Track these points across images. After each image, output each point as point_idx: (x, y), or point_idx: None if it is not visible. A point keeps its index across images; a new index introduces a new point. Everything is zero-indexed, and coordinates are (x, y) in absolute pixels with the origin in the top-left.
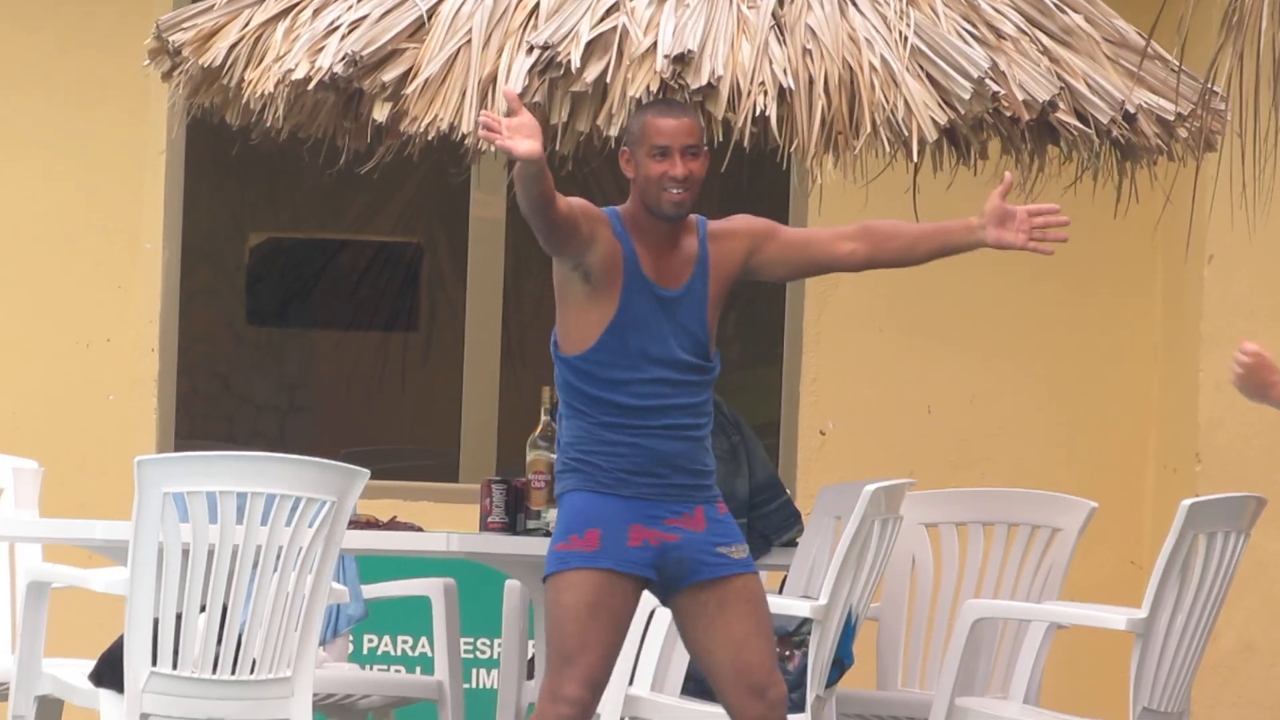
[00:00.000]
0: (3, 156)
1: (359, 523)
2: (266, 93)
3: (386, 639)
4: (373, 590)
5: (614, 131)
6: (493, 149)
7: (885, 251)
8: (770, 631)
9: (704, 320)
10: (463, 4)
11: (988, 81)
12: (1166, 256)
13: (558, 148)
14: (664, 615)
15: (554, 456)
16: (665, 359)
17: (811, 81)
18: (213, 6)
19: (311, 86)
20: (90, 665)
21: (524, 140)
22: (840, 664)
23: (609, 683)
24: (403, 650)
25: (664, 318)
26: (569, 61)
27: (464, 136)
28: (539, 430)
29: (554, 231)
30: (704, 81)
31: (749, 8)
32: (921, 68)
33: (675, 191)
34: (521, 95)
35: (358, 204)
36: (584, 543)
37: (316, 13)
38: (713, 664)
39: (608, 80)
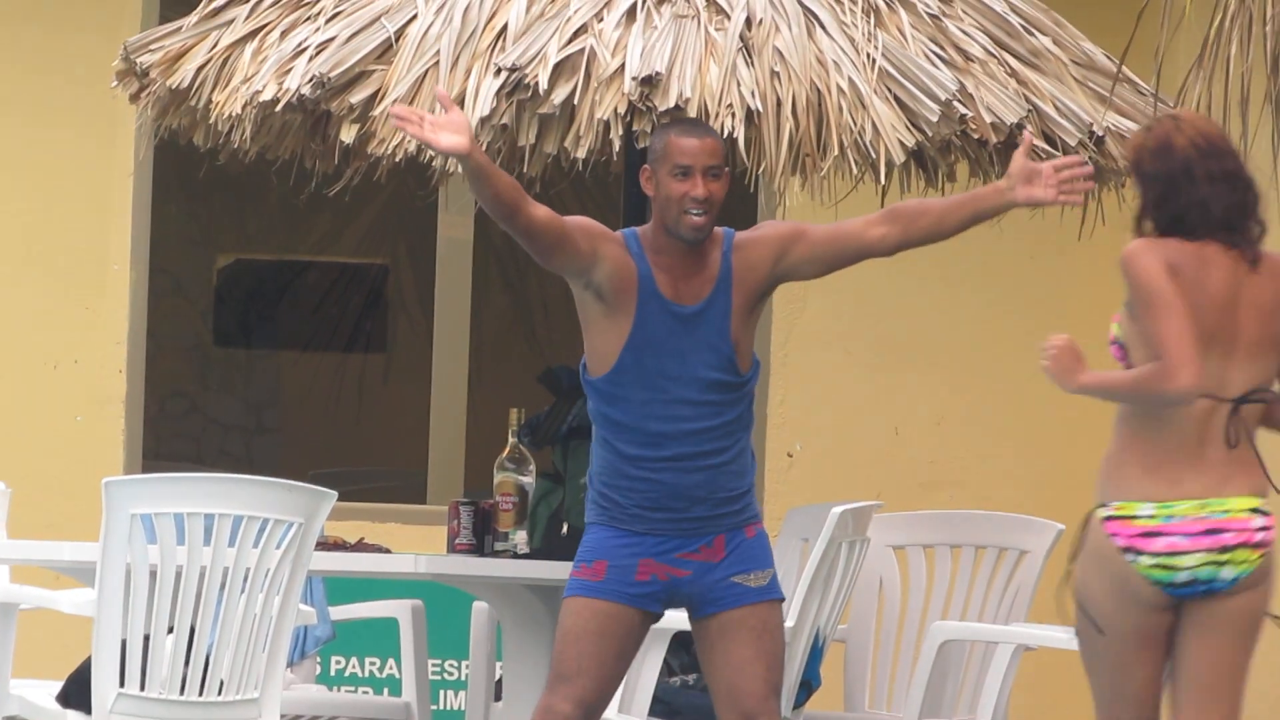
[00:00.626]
0: None
1: (326, 544)
2: (234, 114)
3: (354, 660)
4: (340, 612)
5: (581, 154)
6: (457, 168)
7: (916, 230)
8: (774, 660)
9: (727, 334)
10: (430, 25)
11: (955, 104)
12: None
13: (525, 170)
14: None
15: (521, 479)
16: (685, 377)
17: (779, 103)
18: (180, 29)
19: (279, 108)
20: (58, 686)
21: (448, 135)
22: (808, 685)
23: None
24: (370, 672)
25: (683, 335)
26: (536, 83)
27: (431, 158)
28: (506, 452)
29: (533, 240)
30: (671, 103)
31: (717, 30)
32: (889, 90)
33: (695, 215)
34: (489, 117)
35: (325, 225)
36: (590, 572)
37: (284, 34)
38: (713, 688)
39: (575, 102)
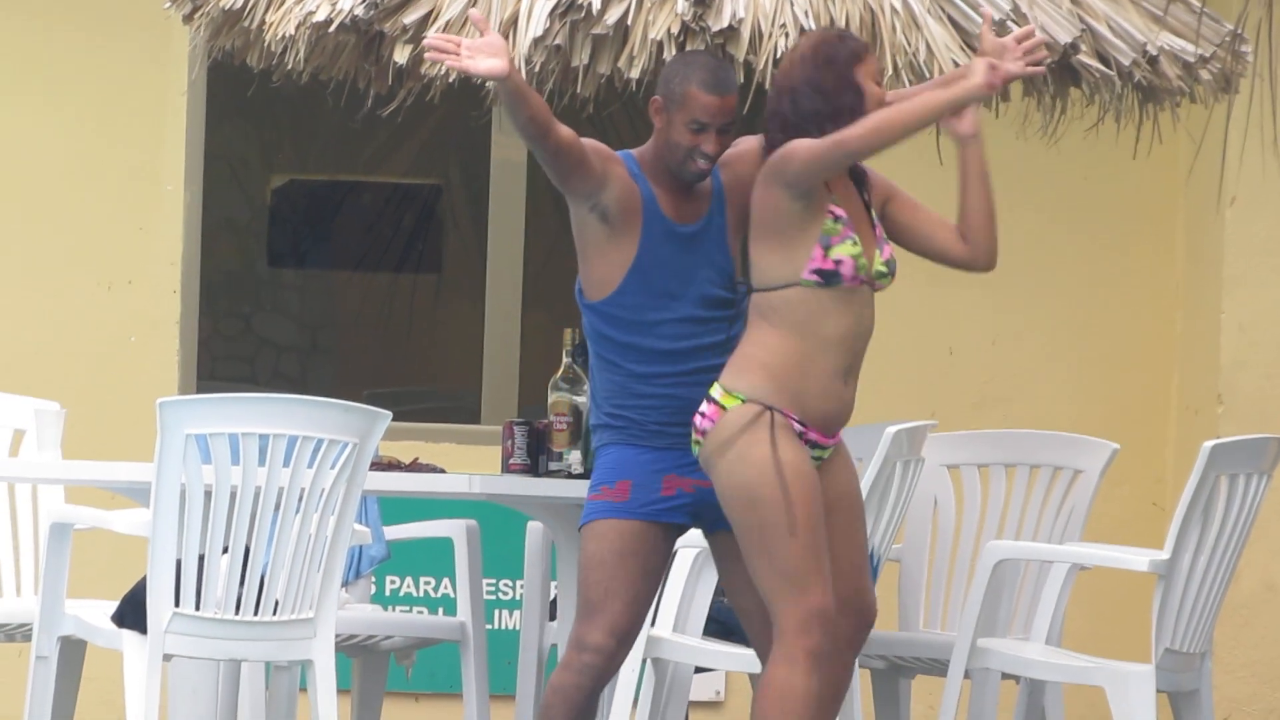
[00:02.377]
0: (25, 98)
1: (381, 464)
2: (287, 35)
3: (409, 580)
4: (395, 532)
5: (634, 74)
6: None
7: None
8: None
9: (726, 251)
10: None
11: (1009, 24)
12: (1188, 199)
13: (579, 90)
14: (685, 558)
15: (576, 399)
16: (691, 296)
17: (833, 23)
18: None
19: (333, 29)
20: (113, 606)
21: (485, 59)
22: None
23: (638, 631)
24: (425, 592)
25: (686, 254)
26: (589, 4)
27: (484, 79)
28: (561, 372)
29: (558, 161)
30: (725, 24)
31: None
32: (943, 9)
33: (702, 164)
34: (542, 38)
35: (378, 146)
36: (614, 493)
37: None
38: (739, 604)
39: (628, 23)
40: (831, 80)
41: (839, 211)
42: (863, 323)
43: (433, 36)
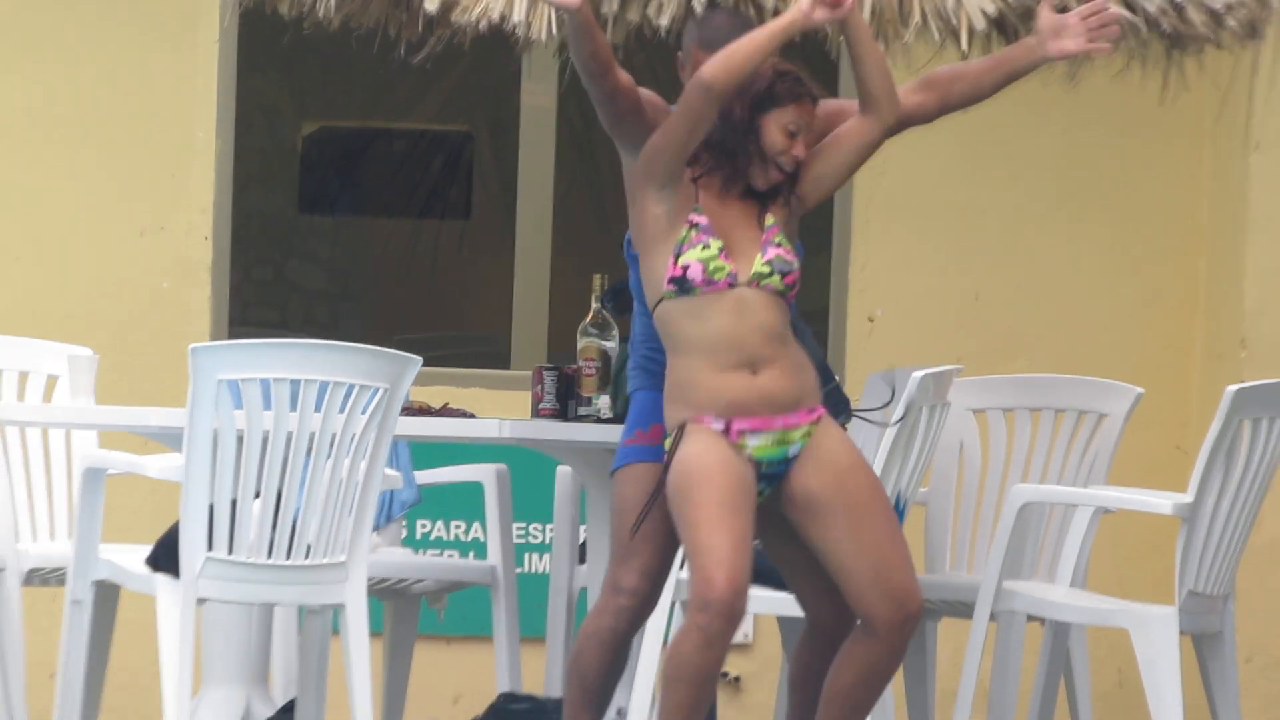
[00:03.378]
0: (60, 50)
1: (411, 409)
2: None
3: (439, 524)
4: (425, 476)
5: (663, 22)
6: (541, 36)
7: (954, 95)
8: None
9: None
10: None
11: None
12: (1213, 145)
13: (610, 37)
14: None
15: (605, 344)
16: None
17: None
18: None
19: None
20: (146, 550)
21: None
22: None
23: (669, 572)
24: (455, 535)
25: None
26: None
27: (514, 27)
28: (589, 318)
29: (613, 103)
30: None
31: None
32: None
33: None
34: None
35: (408, 92)
36: (648, 437)
37: None
38: (777, 555)
39: None
40: (736, 113)
41: (698, 219)
42: (748, 323)
43: None
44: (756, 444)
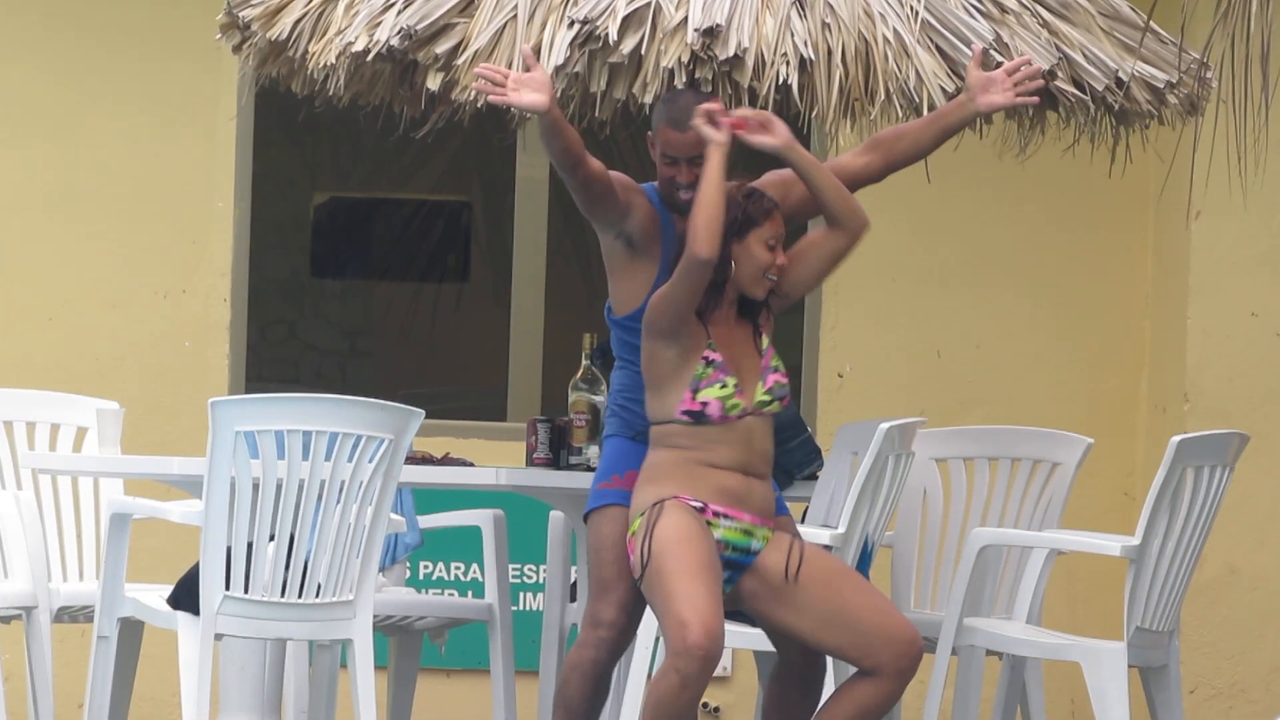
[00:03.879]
0: (88, 121)
1: (415, 459)
2: (329, 64)
3: (441, 565)
4: (428, 521)
5: (648, 99)
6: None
7: (898, 153)
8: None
9: None
10: None
11: (992, 53)
12: (1157, 213)
13: (597, 114)
14: None
15: (594, 398)
16: None
17: (830, 53)
18: None
19: (370, 58)
20: (168, 590)
21: (529, 93)
22: None
23: (643, 611)
24: (456, 576)
25: None
26: (607, 34)
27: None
28: (580, 374)
29: (587, 190)
30: (731, 53)
31: None
32: (931, 40)
33: (683, 194)
34: (563, 66)
35: (412, 166)
36: (623, 482)
37: None
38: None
39: (642, 52)
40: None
41: (713, 356)
42: (753, 447)
43: (484, 66)
44: (727, 526)
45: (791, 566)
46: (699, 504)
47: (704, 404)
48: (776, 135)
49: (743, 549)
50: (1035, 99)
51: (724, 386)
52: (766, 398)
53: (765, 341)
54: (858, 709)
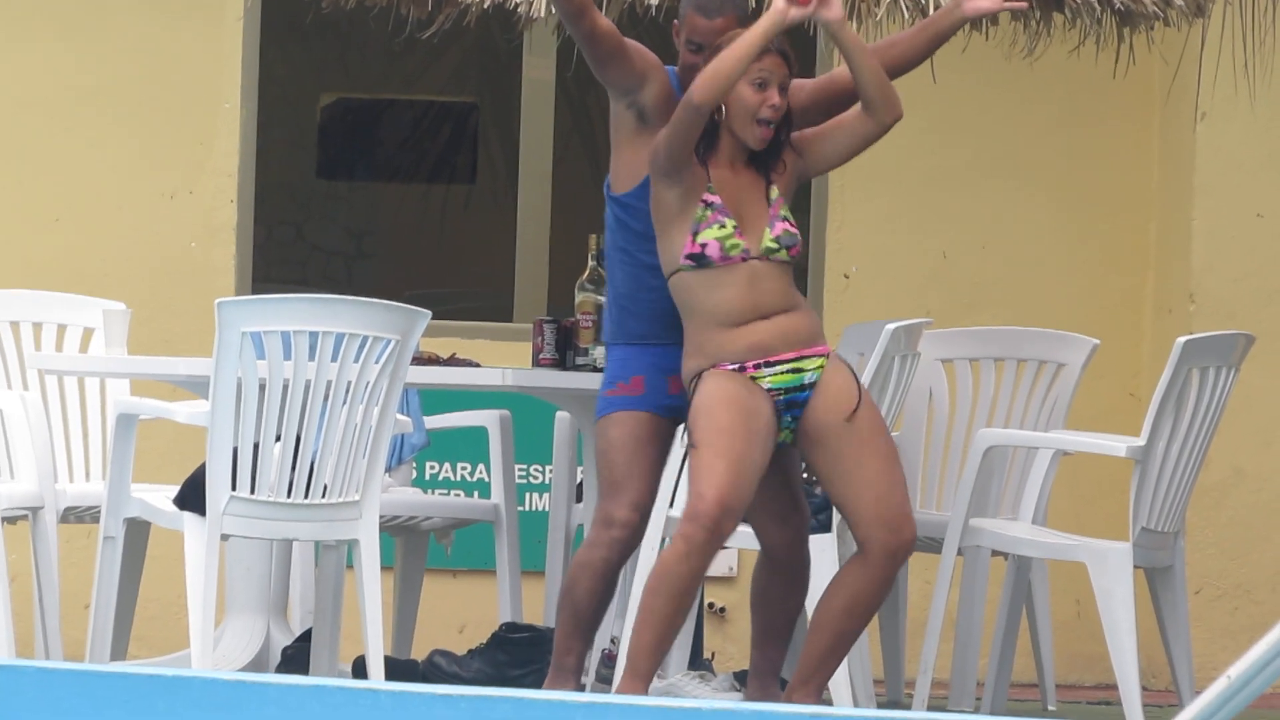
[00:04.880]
0: (95, 27)
1: (421, 359)
2: None
3: (447, 466)
4: (434, 421)
5: (653, 1)
6: (541, 13)
7: (889, 61)
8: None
9: None
10: None
11: None
12: (1162, 115)
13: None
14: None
15: (600, 298)
16: None
17: None
18: None
19: None
20: (174, 490)
21: None
22: None
23: (650, 511)
24: (462, 476)
25: None
26: None
27: (516, 5)
28: (586, 274)
29: (593, 47)
30: None
31: None
32: None
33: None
34: None
35: (419, 67)
36: (630, 388)
37: None
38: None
39: None
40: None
41: (711, 198)
42: (760, 293)
43: None
44: (773, 374)
45: (853, 416)
46: (735, 365)
47: (703, 245)
48: (832, 10)
49: (795, 388)
50: (1024, 4)
51: (722, 227)
52: (774, 244)
53: (775, 192)
54: (850, 596)
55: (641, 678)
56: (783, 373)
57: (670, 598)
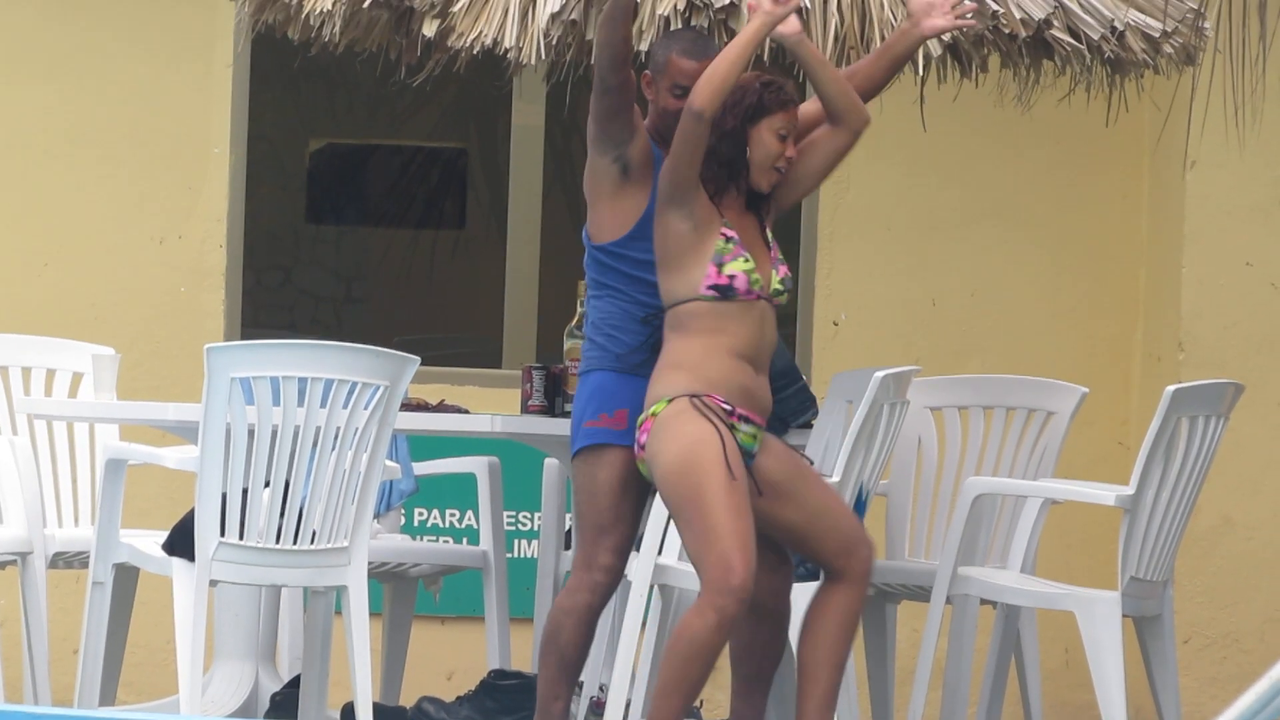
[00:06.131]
0: (87, 71)
1: (410, 405)
2: (325, 10)
3: (436, 512)
4: (423, 467)
5: (643, 47)
6: (531, 59)
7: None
8: None
9: None
10: None
11: (988, 1)
12: (1152, 163)
13: (592, 62)
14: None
15: None
16: None
17: (826, 1)
18: None
19: (366, 4)
20: (163, 536)
21: None
22: None
23: (633, 553)
24: (450, 523)
25: None
26: None
27: (506, 51)
28: (575, 321)
29: (618, 97)
30: (727, 1)
31: None
32: None
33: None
34: (559, 13)
35: (407, 113)
36: (613, 421)
37: None
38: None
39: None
40: (729, 124)
41: (730, 233)
42: (765, 335)
43: None
44: (745, 432)
45: (793, 464)
46: (729, 406)
47: (731, 277)
48: (789, 25)
49: (749, 452)
50: (973, 21)
51: (746, 261)
52: (780, 287)
53: (770, 235)
54: (845, 618)
55: None
56: (749, 435)
57: (705, 666)
